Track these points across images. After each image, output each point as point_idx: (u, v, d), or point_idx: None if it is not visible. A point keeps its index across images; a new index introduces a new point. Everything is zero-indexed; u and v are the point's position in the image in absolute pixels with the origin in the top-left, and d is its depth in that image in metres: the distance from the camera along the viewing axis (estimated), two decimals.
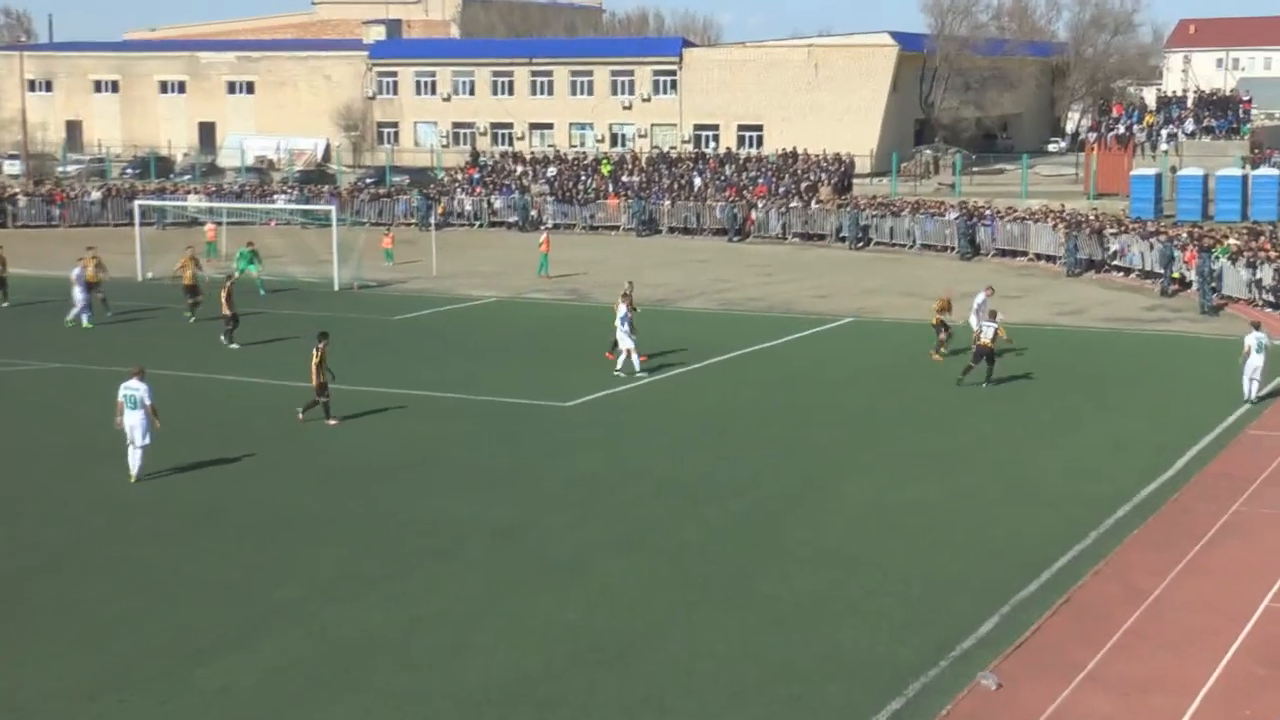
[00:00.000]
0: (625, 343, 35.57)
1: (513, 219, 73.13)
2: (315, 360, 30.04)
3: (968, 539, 22.54)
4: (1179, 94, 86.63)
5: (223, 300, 39.61)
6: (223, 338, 39.60)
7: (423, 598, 20.02)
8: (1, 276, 47.37)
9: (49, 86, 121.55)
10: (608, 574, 21.02)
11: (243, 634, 18.68)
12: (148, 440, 26.02)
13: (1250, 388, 32.30)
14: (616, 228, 70.90)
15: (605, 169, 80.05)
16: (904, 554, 21.81)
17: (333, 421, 30.13)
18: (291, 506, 24.43)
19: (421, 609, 19.58)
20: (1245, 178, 66.54)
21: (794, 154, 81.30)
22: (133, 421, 25.93)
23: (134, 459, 26.01)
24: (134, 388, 26.02)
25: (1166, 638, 18.46)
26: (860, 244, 63.77)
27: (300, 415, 30.36)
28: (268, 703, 16.70)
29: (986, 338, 33.98)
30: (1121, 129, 79.22)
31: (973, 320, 36.57)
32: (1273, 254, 45.32)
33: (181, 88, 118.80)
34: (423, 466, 27.15)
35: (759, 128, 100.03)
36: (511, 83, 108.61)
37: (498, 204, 74.51)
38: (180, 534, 22.94)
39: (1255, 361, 32.09)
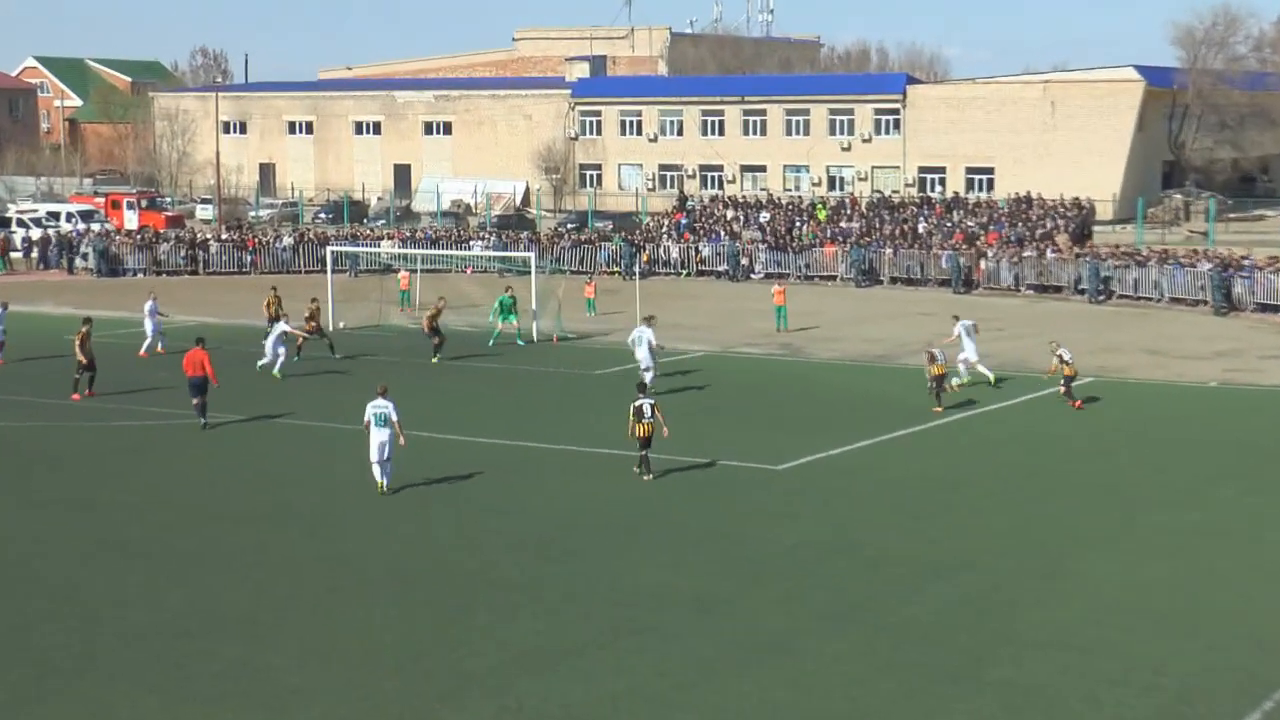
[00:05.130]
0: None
1: (722, 268, 73.30)
2: (641, 418, 30.86)
3: (1222, 625, 21.80)
4: None
5: (427, 321, 46.59)
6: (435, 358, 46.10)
7: (623, 672, 20.04)
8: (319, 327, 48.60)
9: (243, 128, 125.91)
10: (821, 653, 20.80)
11: (431, 707, 18.88)
12: (391, 455, 29.45)
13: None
14: (834, 277, 70.59)
15: (821, 214, 79.88)
16: (1150, 640, 21.18)
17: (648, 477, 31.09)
18: (484, 570, 24.70)
19: (621, 684, 19.59)
20: None
21: (1027, 198, 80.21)
22: (381, 438, 29.24)
23: (381, 473, 29.51)
24: (381, 405, 29.31)
25: None
26: (1101, 297, 62.54)
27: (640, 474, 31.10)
28: None
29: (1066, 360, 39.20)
30: None
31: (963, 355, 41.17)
32: None
33: (377, 128, 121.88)
34: (623, 531, 27.25)
35: (989, 170, 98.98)
36: (722, 122, 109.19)
37: (706, 251, 74.76)
38: (371, 600, 23.32)
39: None
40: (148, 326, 48.72)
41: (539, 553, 25.81)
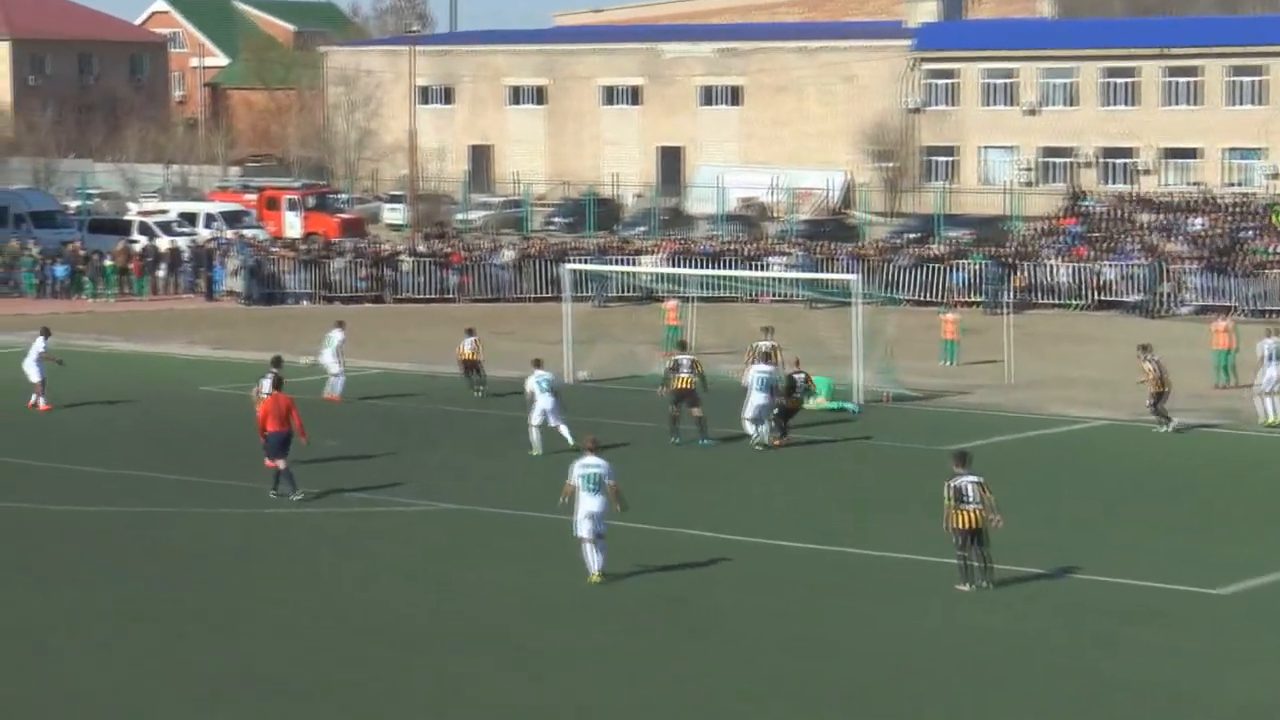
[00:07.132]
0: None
1: (1134, 297, 72.15)
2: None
3: None
4: None
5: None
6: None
7: None
8: (474, 361, 51.75)
9: (448, 96, 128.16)
10: None
11: None
12: (604, 531, 30.85)
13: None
14: None
15: None
16: None
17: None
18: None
19: None
20: None
21: None
22: (591, 507, 30.29)
23: (592, 554, 30.79)
24: (593, 465, 30.48)
25: None
26: None
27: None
28: None
29: None
30: None
31: None
32: None
33: (635, 96, 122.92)
34: (982, 676, 26.92)
35: None
36: (1134, 85, 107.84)
37: (1110, 274, 73.69)
38: None
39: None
40: (331, 363, 49.67)
41: (870, 707, 25.58)
